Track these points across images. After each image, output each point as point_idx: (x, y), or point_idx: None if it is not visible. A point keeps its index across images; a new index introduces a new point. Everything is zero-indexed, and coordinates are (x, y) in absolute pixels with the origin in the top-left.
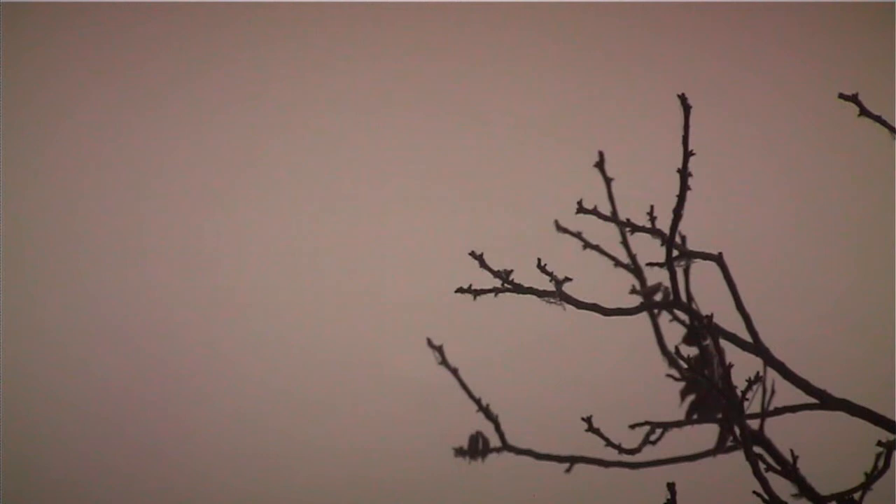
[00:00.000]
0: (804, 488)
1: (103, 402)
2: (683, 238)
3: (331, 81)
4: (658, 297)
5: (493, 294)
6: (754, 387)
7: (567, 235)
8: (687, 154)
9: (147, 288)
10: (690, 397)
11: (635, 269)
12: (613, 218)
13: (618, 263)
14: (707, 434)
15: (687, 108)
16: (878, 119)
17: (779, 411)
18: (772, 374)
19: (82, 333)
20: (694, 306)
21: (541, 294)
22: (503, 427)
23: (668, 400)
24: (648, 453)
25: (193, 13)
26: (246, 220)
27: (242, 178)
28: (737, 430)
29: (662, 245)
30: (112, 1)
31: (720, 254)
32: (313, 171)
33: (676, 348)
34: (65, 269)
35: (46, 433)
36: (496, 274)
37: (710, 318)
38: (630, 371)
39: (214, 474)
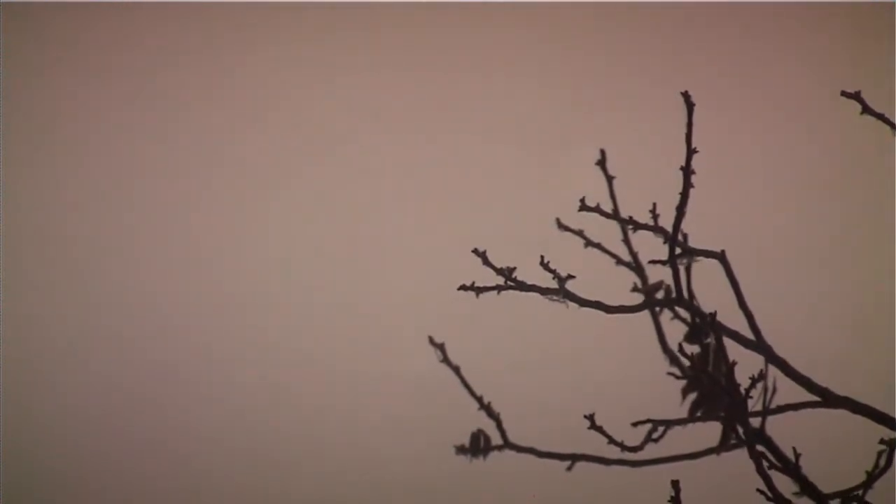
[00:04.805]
0: (806, 486)
1: (104, 402)
2: (685, 236)
3: (330, 78)
4: (660, 294)
5: (495, 291)
6: (757, 385)
7: (568, 234)
8: (690, 152)
9: (147, 286)
10: (692, 395)
11: (637, 267)
12: (616, 215)
13: (619, 262)
14: (709, 432)
15: (690, 106)
16: (880, 117)
17: (781, 409)
18: (774, 372)
19: (82, 332)
20: (695, 304)
21: (544, 291)
22: (505, 425)
23: (670, 398)
24: (650, 451)
25: (195, 13)
26: (247, 219)
27: (241, 176)
28: (739, 429)
29: (665, 243)
30: (112, 1)
31: (723, 251)
32: (314, 168)
33: (680, 346)
34: (65, 269)
35: (47, 434)
36: (499, 271)
37: (713, 315)
38: (632, 369)
39: (213, 473)
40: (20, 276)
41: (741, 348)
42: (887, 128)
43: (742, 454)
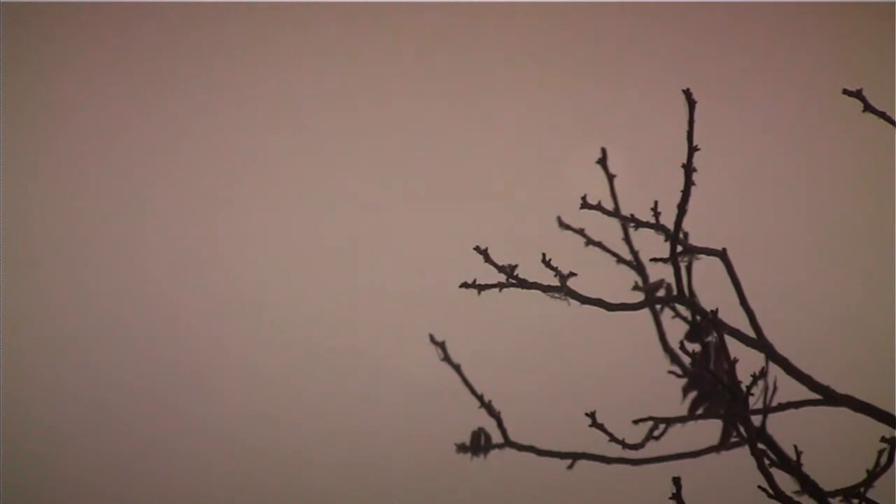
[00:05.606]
0: (807, 484)
1: (104, 401)
2: (686, 234)
3: (333, 78)
4: (661, 292)
5: (497, 289)
6: (758, 383)
7: (570, 232)
8: (692, 149)
9: (150, 286)
10: (693, 393)
11: (638, 265)
12: (617, 213)
13: (620, 260)
14: (710, 430)
15: (692, 104)
16: (881, 114)
17: (782, 407)
18: (775, 370)
19: (83, 332)
20: (696, 302)
21: (546, 289)
22: (505, 423)
23: (671, 396)
24: (651, 449)
25: (195, 13)
26: (249, 216)
27: (244, 174)
28: (741, 427)
29: (666, 241)
30: (112, 1)
31: (724, 249)
32: (316, 167)
33: (681, 344)
34: (65, 269)
35: (47, 434)
36: (501, 269)
37: (714, 312)
38: (633, 367)
39: (213, 471)
40: (20, 276)
41: (742, 346)
42: (888, 127)
43: (743, 452)
